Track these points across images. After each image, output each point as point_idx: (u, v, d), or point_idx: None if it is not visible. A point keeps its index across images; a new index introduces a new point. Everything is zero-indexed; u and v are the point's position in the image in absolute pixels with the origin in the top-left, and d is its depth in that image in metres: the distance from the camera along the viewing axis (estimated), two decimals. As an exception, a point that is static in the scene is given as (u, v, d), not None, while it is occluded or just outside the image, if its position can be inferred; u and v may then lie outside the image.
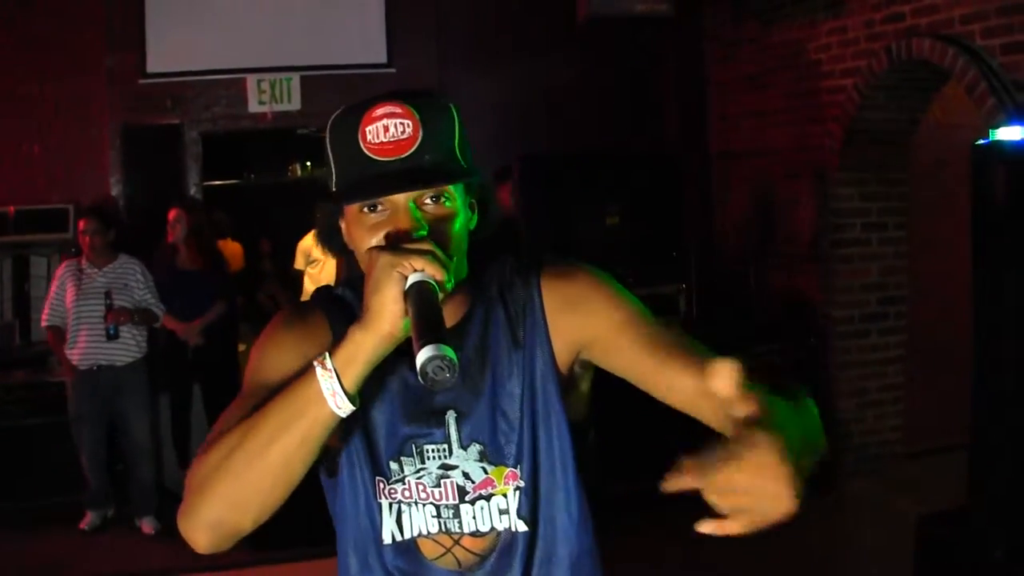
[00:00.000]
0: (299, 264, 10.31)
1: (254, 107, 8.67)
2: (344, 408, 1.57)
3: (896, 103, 7.05)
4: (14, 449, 7.43)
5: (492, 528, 1.83)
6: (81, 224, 7.07)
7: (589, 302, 1.85)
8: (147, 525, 7.19)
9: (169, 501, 7.62)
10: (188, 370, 7.78)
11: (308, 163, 16.75)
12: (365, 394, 1.65)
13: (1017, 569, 4.50)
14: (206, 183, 9.14)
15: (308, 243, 10.36)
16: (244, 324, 9.53)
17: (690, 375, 1.66)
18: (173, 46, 8.42)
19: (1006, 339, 4.59)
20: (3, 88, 8.20)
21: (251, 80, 8.62)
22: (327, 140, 1.82)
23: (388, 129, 1.72)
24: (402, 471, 1.83)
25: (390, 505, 1.84)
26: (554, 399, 1.85)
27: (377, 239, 1.70)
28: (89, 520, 7.10)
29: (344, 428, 1.74)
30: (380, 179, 1.71)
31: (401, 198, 1.71)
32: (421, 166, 1.71)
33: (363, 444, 1.82)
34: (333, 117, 1.81)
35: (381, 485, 1.84)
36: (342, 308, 1.89)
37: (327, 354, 1.58)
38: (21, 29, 8.25)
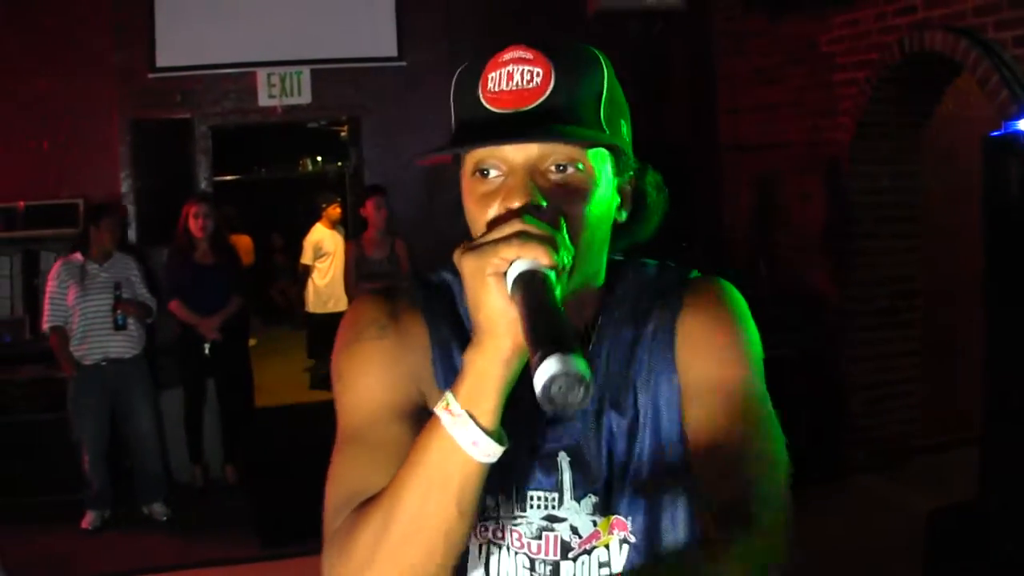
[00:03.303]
0: (307, 258, 10.33)
1: (264, 101, 8.66)
2: (493, 452, 1.27)
3: (908, 96, 7.02)
4: (25, 444, 7.44)
5: None
6: (107, 220, 7.12)
7: (707, 347, 1.53)
8: (157, 511, 7.23)
9: (177, 492, 7.64)
10: (203, 364, 7.79)
11: (319, 157, 16.78)
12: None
13: (1029, 564, 4.49)
14: (216, 177, 9.14)
15: (316, 237, 10.39)
16: (254, 318, 9.55)
17: (706, 473, 1.47)
18: (182, 40, 8.41)
19: (1018, 332, 4.57)
20: (12, 84, 8.21)
21: (261, 74, 8.61)
22: (451, 92, 1.49)
23: (512, 76, 1.38)
24: (497, 510, 1.51)
25: (480, 547, 1.54)
26: (678, 445, 1.52)
27: (492, 211, 1.38)
28: (91, 519, 7.10)
29: None
30: (483, 128, 1.38)
31: (518, 160, 1.37)
32: (548, 115, 1.37)
33: None
34: (461, 67, 1.49)
35: None
36: (442, 299, 1.58)
37: (450, 395, 1.27)
38: (29, 25, 8.25)
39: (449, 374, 1.47)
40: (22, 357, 7.67)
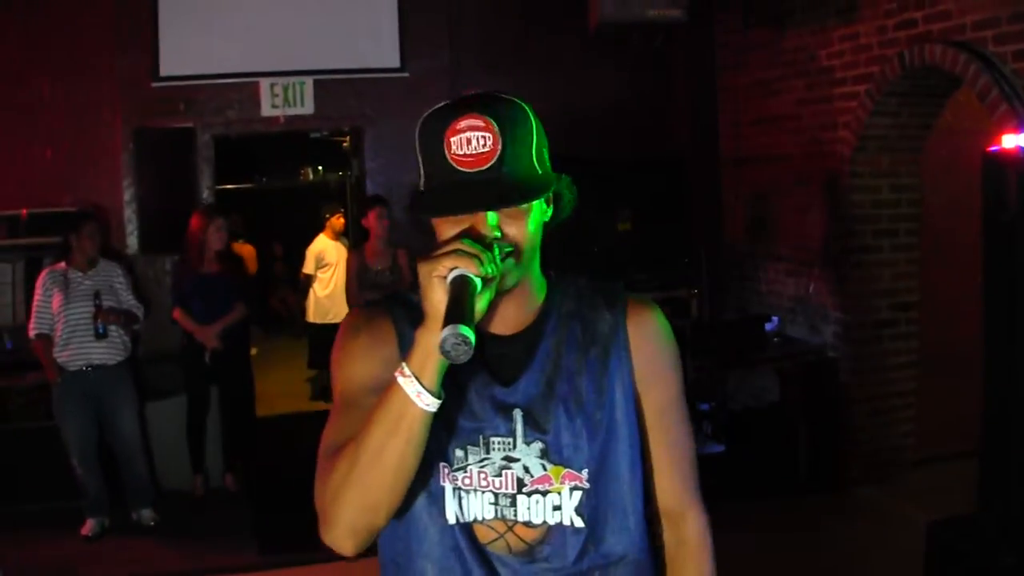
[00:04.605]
0: (309, 268, 10.36)
1: (267, 111, 8.68)
2: (431, 404, 1.77)
3: (908, 109, 7.04)
4: (26, 450, 7.46)
5: (544, 521, 2.00)
6: (88, 228, 7.12)
7: (661, 366, 2.12)
8: (145, 516, 7.27)
9: (177, 500, 7.65)
10: (206, 373, 7.80)
11: (320, 167, 16.81)
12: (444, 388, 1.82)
13: (1028, 577, 4.49)
14: (218, 186, 9.15)
15: (319, 247, 10.41)
16: (255, 327, 9.55)
17: (662, 472, 2.15)
18: (185, 49, 8.45)
19: (1017, 346, 4.59)
20: (15, 91, 8.24)
21: (264, 84, 8.64)
22: (416, 140, 1.94)
23: (471, 141, 1.85)
24: (466, 459, 1.99)
25: (453, 489, 1.99)
26: (631, 423, 2.05)
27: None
28: (90, 527, 7.10)
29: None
30: (463, 192, 1.85)
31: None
32: (500, 180, 1.86)
33: (432, 432, 1.87)
34: (422, 119, 1.94)
35: (445, 470, 1.98)
36: (409, 310, 2.03)
37: (403, 363, 1.79)
38: (33, 33, 8.28)
39: None
40: (24, 364, 7.67)
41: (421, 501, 1.99)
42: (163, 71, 8.46)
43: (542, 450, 1.99)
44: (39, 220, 8.02)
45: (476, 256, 1.76)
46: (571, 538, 2.00)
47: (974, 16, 5.87)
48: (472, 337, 1.68)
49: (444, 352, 1.68)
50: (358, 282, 7.94)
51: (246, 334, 8.26)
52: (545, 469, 1.99)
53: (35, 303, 7.12)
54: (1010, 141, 4.80)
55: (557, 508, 2.00)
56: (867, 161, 7.23)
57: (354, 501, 1.80)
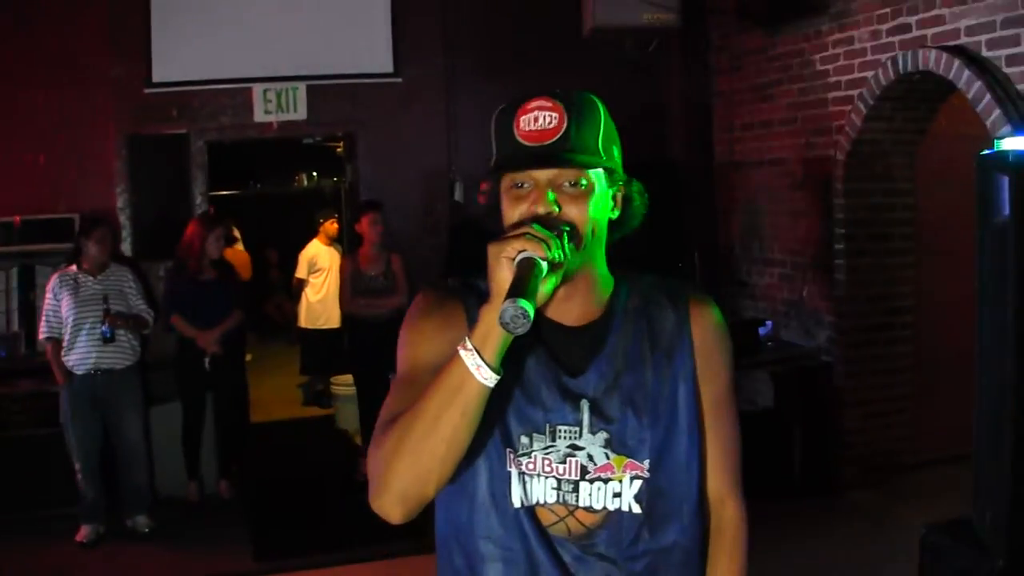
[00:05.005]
0: (301, 273, 10.35)
1: (260, 116, 8.68)
2: (489, 378, 1.82)
3: (902, 114, 7.05)
4: (19, 459, 7.43)
5: (604, 507, 2.07)
6: (98, 233, 7.11)
7: (719, 363, 2.22)
8: (140, 523, 7.25)
9: (172, 506, 7.63)
10: (202, 379, 7.79)
11: (314, 172, 16.79)
12: (508, 379, 1.90)
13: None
14: (212, 192, 9.14)
15: (312, 252, 10.40)
16: (249, 333, 9.53)
17: (708, 462, 2.20)
18: (178, 56, 8.44)
19: (1010, 349, 4.58)
20: (9, 97, 8.22)
21: (257, 89, 8.63)
22: (491, 127, 2.07)
23: (538, 119, 1.99)
24: (531, 446, 2.05)
25: (519, 475, 2.05)
26: (692, 418, 2.13)
27: (520, 211, 1.98)
28: (85, 534, 7.07)
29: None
30: (520, 158, 1.98)
31: (543, 179, 1.99)
32: (558, 151, 1.97)
33: (499, 417, 2.02)
34: (498, 109, 2.07)
35: (511, 456, 2.05)
36: (479, 297, 2.04)
37: (467, 337, 1.84)
38: (26, 39, 8.25)
39: None
40: (18, 372, 7.66)
41: (486, 485, 2.06)
42: (156, 77, 8.45)
43: (607, 440, 2.06)
44: (32, 227, 8.00)
45: (544, 241, 1.83)
46: (628, 523, 2.07)
47: (968, 21, 5.88)
48: (531, 311, 1.74)
49: (503, 323, 1.74)
50: (352, 287, 7.94)
51: (242, 340, 8.25)
52: (608, 458, 2.06)
53: (44, 306, 7.13)
54: (1004, 145, 4.80)
55: (617, 495, 2.07)
56: (861, 165, 7.23)
57: (406, 469, 1.85)
